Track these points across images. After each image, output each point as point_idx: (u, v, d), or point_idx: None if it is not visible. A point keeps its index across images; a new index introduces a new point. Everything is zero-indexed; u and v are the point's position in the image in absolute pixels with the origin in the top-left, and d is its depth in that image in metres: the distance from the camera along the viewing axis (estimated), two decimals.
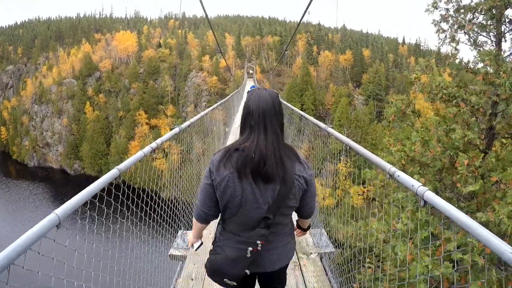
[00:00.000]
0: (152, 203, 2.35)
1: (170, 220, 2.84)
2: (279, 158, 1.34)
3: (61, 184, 54.07)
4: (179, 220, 3.10)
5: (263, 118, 1.36)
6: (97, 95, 63.02)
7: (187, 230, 3.30)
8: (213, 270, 1.49)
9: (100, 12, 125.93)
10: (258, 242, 1.41)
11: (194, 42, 69.42)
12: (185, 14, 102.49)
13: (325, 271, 2.79)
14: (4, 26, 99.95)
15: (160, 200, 2.47)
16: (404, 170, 3.54)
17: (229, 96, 11.97)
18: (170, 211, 2.79)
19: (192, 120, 3.50)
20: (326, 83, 59.60)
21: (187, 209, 3.38)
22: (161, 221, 2.64)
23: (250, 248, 1.41)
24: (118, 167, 1.72)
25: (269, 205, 1.37)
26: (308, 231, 1.94)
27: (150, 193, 2.27)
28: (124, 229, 2.15)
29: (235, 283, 1.45)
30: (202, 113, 4.36)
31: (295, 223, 1.71)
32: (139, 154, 2.01)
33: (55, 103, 64.30)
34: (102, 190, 1.52)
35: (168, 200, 2.76)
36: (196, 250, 1.67)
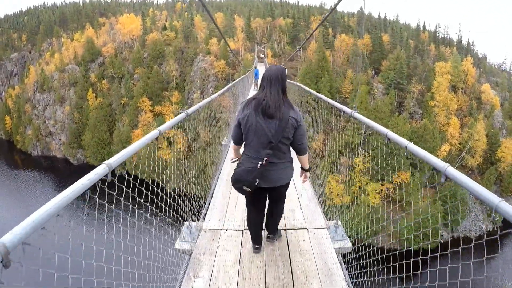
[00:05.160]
0: (160, 193, 2.44)
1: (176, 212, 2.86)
2: (278, 104, 2.24)
3: (65, 174, 51.71)
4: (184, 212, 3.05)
5: (270, 81, 2.28)
6: (100, 82, 59.93)
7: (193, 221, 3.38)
8: (236, 179, 2.31)
9: None
10: (265, 158, 2.25)
11: (202, 25, 65.28)
12: None
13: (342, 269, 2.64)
14: (10, 14, 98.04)
15: (164, 191, 2.50)
16: None
17: (234, 82, 9.51)
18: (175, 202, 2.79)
19: (200, 104, 3.25)
20: (343, 69, 54.77)
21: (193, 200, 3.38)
22: (169, 210, 2.68)
23: (260, 162, 2.24)
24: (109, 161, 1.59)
25: (272, 133, 2.24)
26: (306, 176, 2.74)
27: (158, 183, 2.33)
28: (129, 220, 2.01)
29: (249, 189, 2.30)
30: (210, 98, 4.02)
31: (298, 169, 2.65)
32: (143, 140, 2.01)
33: (57, 90, 61.53)
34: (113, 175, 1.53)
35: (174, 192, 2.80)
36: (233, 162, 2.57)
